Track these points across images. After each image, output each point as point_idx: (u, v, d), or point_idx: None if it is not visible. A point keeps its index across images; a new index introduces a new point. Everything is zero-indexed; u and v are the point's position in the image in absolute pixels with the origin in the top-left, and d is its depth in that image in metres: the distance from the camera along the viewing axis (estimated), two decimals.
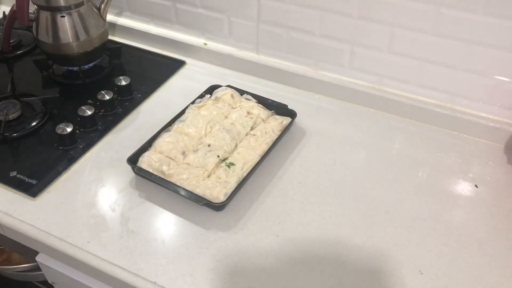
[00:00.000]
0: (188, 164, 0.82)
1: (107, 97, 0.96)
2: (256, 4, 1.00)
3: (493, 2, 0.79)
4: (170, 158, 0.82)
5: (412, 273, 0.68)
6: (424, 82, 0.94)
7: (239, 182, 0.78)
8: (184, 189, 0.76)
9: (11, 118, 0.92)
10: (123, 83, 1.00)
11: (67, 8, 0.98)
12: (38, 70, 1.07)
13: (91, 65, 1.08)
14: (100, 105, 0.97)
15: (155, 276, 0.67)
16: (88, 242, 0.72)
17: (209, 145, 0.85)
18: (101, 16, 1.04)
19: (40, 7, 0.98)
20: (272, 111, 0.95)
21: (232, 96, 0.96)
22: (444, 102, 0.94)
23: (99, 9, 1.04)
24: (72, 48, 1.01)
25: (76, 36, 1.00)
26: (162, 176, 0.79)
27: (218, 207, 0.75)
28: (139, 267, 0.68)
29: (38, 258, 0.81)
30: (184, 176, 0.78)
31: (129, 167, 0.82)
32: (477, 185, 0.83)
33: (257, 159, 0.82)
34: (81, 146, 0.88)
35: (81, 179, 0.83)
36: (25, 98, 0.98)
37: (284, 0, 0.96)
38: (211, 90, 0.99)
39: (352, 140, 0.92)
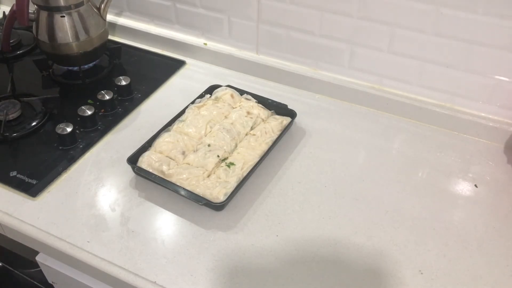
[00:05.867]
0: (188, 164, 0.82)
1: (107, 97, 0.97)
2: (256, 4, 1.00)
3: (493, 2, 0.79)
4: (170, 158, 0.82)
5: (412, 273, 0.68)
6: (424, 82, 0.94)
7: (239, 182, 0.78)
8: (184, 189, 0.76)
9: (11, 118, 0.92)
10: (123, 83, 1.00)
11: (67, 8, 0.98)
12: (38, 70, 1.07)
13: (91, 65, 1.08)
14: (100, 105, 0.97)
15: (155, 276, 0.67)
16: (88, 242, 0.72)
17: (209, 145, 0.85)
18: (101, 16, 1.04)
19: (40, 7, 0.98)
20: (272, 111, 0.95)
21: (232, 96, 0.96)
22: (444, 102, 0.94)
23: (99, 9, 1.04)
24: (72, 48, 1.01)
25: (76, 36, 1.00)
26: (162, 176, 0.79)
27: (218, 207, 0.75)
28: (139, 267, 0.68)
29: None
30: (184, 176, 0.78)
31: (129, 167, 0.82)
32: (477, 185, 0.83)
33: (257, 159, 0.82)
34: (81, 146, 0.88)
35: (81, 179, 0.83)
36: (25, 98, 0.98)
37: (284, 0, 0.96)
38: (211, 90, 0.99)
39: (352, 140, 0.92)
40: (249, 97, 0.97)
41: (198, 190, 0.76)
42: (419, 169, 0.86)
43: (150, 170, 0.80)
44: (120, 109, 0.98)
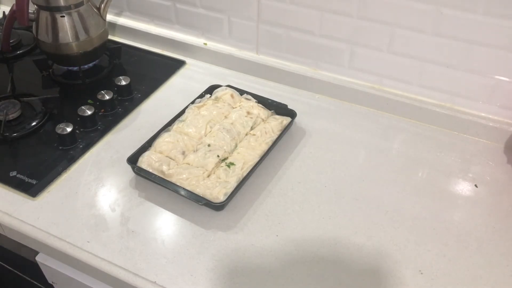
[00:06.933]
0: (188, 164, 0.82)
1: (107, 97, 0.97)
2: (256, 4, 1.00)
3: (493, 2, 0.79)
4: (170, 158, 0.82)
5: (412, 273, 0.68)
6: (424, 82, 0.94)
7: (239, 182, 0.78)
8: (184, 189, 0.76)
9: (11, 118, 0.92)
10: (123, 83, 1.00)
11: (67, 8, 0.98)
12: (38, 70, 1.07)
13: (91, 65, 1.08)
14: (100, 105, 0.97)
15: (155, 276, 0.67)
16: (88, 242, 0.72)
17: (209, 145, 0.85)
18: (101, 16, 1.04)
19: (40, 7, 0.98)
20: (272, 111, 0.95)
21: (232, 96, 0.96)
22: (444, 102, 0.94)
23: (99, 9, 1.04)
24: (72, 48, 1.01)
25: (76, 36, 1.00)
26: (162, 176, 0.79)
27: (218, 207, 0.75)
28: (139, 267, 0.68)
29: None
30: (184, 176, 0.78)
31: (129, 167, 0.82)
32: (477, 185, 0.83)
33: (257, 159, 0.82)
34: (81, 146, 0.88)
35: (81, 179, 0.83)
36: (25, 98, 0.98)
37: (284, 0, 0.96)
38: (211, 90, 0.99)
39: (352, 140, 0.92)
40: (249, 97, 0.97)
41: (198, 190, 0.76)
42: (419, 169, 0.86)
43: (150, 170, 0.80)
44: (120, 109, 0.98)
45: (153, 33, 1.16)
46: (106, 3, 1.04)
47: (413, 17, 0.87)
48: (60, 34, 0.99)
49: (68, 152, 0.87)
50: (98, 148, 0.89)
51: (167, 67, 1.11)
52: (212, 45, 1.12)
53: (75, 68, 1.07)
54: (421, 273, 0.68)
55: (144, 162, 0.81)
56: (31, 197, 0.79)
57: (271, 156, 0.87)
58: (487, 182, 0.83)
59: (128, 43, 1.19)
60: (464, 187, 0.82)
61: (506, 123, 0.90)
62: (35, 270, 0.86)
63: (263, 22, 1.02)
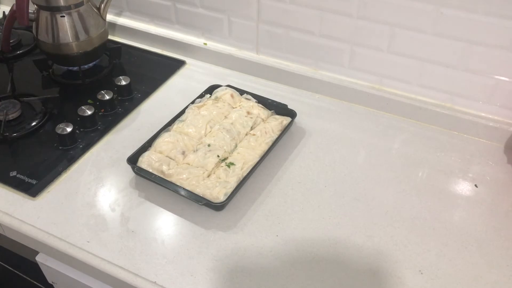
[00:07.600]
0: (188, 164, 0.82)
1: (107, 97, 0.97)
2: (256, 4, 1.00)
3: (493, 2, 0.79)
4: (170, 158, 0.82)
5: (412, 273, 0.68)
6: (424, 82, 0.94)
7: (239, 182, 0.78)
8: (184, 189, 0.76)
9: (11, 118, 0.92)
10: (123, 83, 1.00)
11: (67, 8, 0.98)
12: (38, 70, 1.07)
13: (91, 65, 1.08)
14: (100, 105, 0.97)
15: (155, 276, 0.67)
16: (88, 242, 0.72)
17: (209, 145, 0.85)
18: (101, 16, 1.04)
19: (40, 7, 0.98)
20: (272, 111, 0.95)
21: (232, 96, 0.96)
22: (444, 102, 0.94)
23: (99, 9, 1.04)
24: (72, 48, 1.01)
25: (76, 36, 1.00)
26: (162, 176, 0.79)
27: (218, 207, 0.75)
28: (139, 267, 0.68)
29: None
30: (184, 176, 0.78)
31: (129, 167, 0.82)
32: (477, 185, 0.83)
33: (257, 159, 0.82)
34: (81, 146, 0.89)
35: (81, 179, 0.83)
36: (25, 98, 0.98)
37: (284, 0, 0.96)
38: (211, 90, 0.99)
39: (352, 140, 0.92)
40: (249, 97, 0.97)
41: (198, 190, 0.76)
42: (419, 169, 0.86)
43: (150, 170, 0.80)
44: (120, 109, 0.98)
45: (153, 33, 1.16)
46: (106, 3, 1.04)
47: (413, 17, 0.87)
48: (60, 34, 0.99)
49: (68, 152, 0.87)
50: (98, 148, 0.89)
51: (167, 67, 1.11)
52: (212, 45, 1.12)
53: (75, 68, 1.07)
54: (421, 273, 0.68)
55: (144, 162, 0.81)
56: (31, 197, 0.79)
57: (271, 156, 0.87)
58: (487, 182, 0.83)
59: (128, 43, 1.19)
60: (464, 187, 0.82)
61: (506, 123, 0.90)
62: (35, 270, 0.86)
63: (263, 22, 1.02)
